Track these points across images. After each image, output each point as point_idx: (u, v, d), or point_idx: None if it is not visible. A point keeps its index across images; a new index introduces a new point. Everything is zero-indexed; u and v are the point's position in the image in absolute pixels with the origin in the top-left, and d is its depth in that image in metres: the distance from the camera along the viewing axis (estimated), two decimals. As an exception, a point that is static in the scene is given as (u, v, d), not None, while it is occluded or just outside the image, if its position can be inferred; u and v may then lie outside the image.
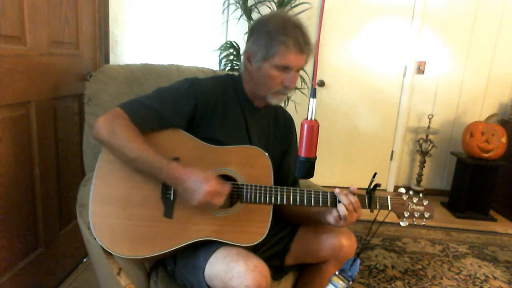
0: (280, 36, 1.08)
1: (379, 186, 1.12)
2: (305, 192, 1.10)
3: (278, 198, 1.09)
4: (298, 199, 1.10)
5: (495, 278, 2.12)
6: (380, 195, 1.15)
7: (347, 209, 1.06)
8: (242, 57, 1.22)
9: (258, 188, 1.09)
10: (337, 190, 1.09)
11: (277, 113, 1.30)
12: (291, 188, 1.10)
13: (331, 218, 1.08)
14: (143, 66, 1.52)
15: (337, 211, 1.07)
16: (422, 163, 3.26)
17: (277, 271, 1.23)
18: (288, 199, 1.09)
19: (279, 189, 1.09)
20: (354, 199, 1.07)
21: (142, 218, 1.04)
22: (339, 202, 1.07)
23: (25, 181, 1.43)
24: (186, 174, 1.00)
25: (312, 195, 1.10)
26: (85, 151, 1.37)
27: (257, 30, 1.14)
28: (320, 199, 1.10)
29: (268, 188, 1.09)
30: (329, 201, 1.10)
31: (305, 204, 1.10)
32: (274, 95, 1.16)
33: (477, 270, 2.19)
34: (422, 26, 3.13)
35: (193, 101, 1.13)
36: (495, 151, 2.88)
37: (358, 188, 1.11)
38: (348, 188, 1.11)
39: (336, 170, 3.38)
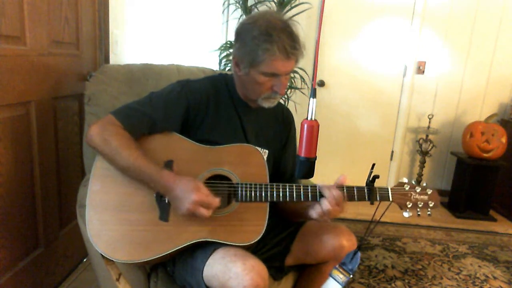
0: (265, 44, 1.04)
1: (378, 177, 1.08)
2: (287, 187, 1.09)
3: (274, 195, 1.08)
4: (287, 195, 1.08)
5: (495, 278, 2.12)
6: (380, 186, 1.12)
7: (329, 203, 1.04)
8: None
9: (252, 186, 1.08)
10: (319, 184, 1.07)
11: (276, 109, 1.28)
12: (280, 184, 1.09)
13: (313, 213, 1.07)
14: (143, 66, 1.52)
15: (320, 205, 1.05)
16: (422, 163, 3.26)
17: (277, 271, 1.23)
18: (278, 195, 1.08)
19: (274, 186, 1.09)
20: (337, 193, 1.04)
21: (138, 222, 1.04)
22: (322, 196, 1.06)
23: (25, 181, 1.43)
24: (175, 182, 1.00)
25: (294, 190, 1.08)
26: (85, 151, 1.37)
27: (242, 35, 1.11)
28: (302, 193, 1.08)
29: (263, 186, 1.08)
30: (310, 195, 1.08)
31: (287, 199, 1.08)
32: (265, 100, 1.15)
33: (477, 270, 2.19)
34: (422, 26, 3.12)
35: (184, 104, 1.13)
36: (495, 151, 2.88)
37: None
38: None
39: (336, 170, 3.38)
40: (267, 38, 1.05)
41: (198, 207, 0.98)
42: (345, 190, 1.09)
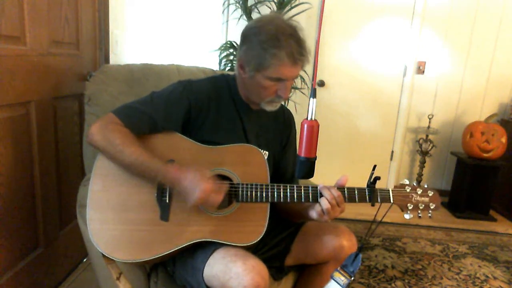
0: (273, 49, 1.04)
1: (379, 179, 1.09)
2: (288, 188, 1.09)
3: (275, 195, 1.08)
4: (288, 196, 1.08)
5: (495, 278, 2.12)
6: (381, 187, 1.12)
7: (329, 203, 1.04)
8: (235, 62, 1.20)
9: (253, 186, 1.08)
10: (320, 185, 1.08)
11: (277, 111, 1.26)
12: (281, 184, 1.09)
13: (314, 213, 1.07)
14: (143, 66, 1.52)
15: (320, 205, 1.05)
16: (422, 163, 3.26)
17: (277, 271, 1.23)
18: (278, 196, 1.08)
19: (275, 186, 1.09)
20: (337, 193, 1.05)
21: (139, 222, 1.04)
22: (322, 196, 1.06)
23: (25, 181, 1.43)
24: (183, 174, 1.00)
25: (295, 191, 1.08)
26: (85, 151, 1.37)
27: (249, 39, 1.11)
28: (302, 194, 1.08)
29: (264, 186, 1.08)
30: (310, 196, 1.08)
31: (288, 200, 1.08)
32: (268, 103, 1.15)
33: (477, 270, 2.19)
34: (422, 26, 3.12)
35: (185, 105, 1.13)
36: (495, 151, 2.88)
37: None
38: None
39: (336, 170, 3.38)
40: (275, 43, 1.04)
41: (209, 194, 0.98)
42: (346, 191, 1.09)
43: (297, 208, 1.17)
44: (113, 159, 1.04)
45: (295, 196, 1.09)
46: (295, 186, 1.09)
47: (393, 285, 1.97)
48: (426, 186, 1.16)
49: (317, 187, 1.09)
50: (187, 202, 1.00)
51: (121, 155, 1.01)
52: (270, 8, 2.61)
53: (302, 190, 1.09)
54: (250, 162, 1.13)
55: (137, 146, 1.02)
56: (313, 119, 0.98)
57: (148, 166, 1.01)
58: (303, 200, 1.09)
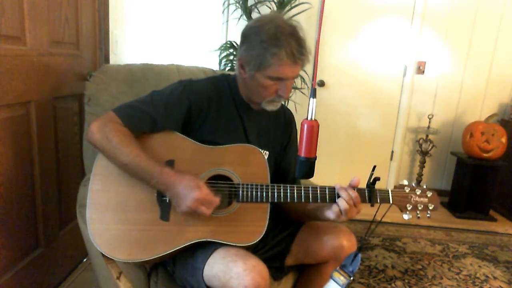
0: (273, 48, 1.04)
1: (379, 180, 1.09)
2: (302, 188, 1.09)
3: (275, 195, 1.08)
4: (295, 196, 1.09)
5: (495, 278, 2.12)
6: (380, 188, 1.12)
7: (347, 203, 1.05)
8: (235, 62, 1.20)
9: (254, 186, 1.08)
10: (337, 185, 1.08)
11: (277, 111, 1.26)
12: (288, 185, 1.09)
13: (330, 213, 1.07)
14: (143, 66, 1.52)
15: (338, 205, 1.05)
16: (422, 163, 3.26)
17: (277, 271, 1.23)
18: (285, 196, 1.08)
19: (275, 187, 1.09)
20: (354, 194, 1.06)
21: (139, 222, 1.04)
22: (339, 197, 1.06)
23: (25, 181, 1.43)
24: (177, 180, 1.00)
25: (310, 192, 1.09)
26: (85, 151, 1.37)
27: (249, 38, 1.11)
28: (318, 195, 1.09)
29: (264, 186, 1.08)
30: (327, 196, 1.09)
31: (302, 200, 1.09)
32: (268, 103, 1.15)
33: (477, 270, 2.20)
34: (422, 26, 3.12)
35: (186, 105, 1.13)
36: (495, 151, 2.89)
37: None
38: None
39: (336, 170, 3.38)
40: (275, 42, 1.04)
41: (199, 205, 0.98)
42: None
43: (310, 208, 1.17)
44: (111, 158, 1.04)
45: (295, 196, 1.09)
46: (295, 186, 1.09)
47: (393, 285, 1.97)
48: (425, 186, 1.16)
49: (317, 187, 1.09)
50: (178, 208, 1.01)
51: (118, 155, 1.01)
52: (270, 8, 2.61)
53: (302, 190, 1.09)
54: (250, 162, 1.13)
55: (135, 147, 1.02)
56: (313, 119, 0.98)
57: (144, 167, 1.01)
58: (303, 200, 1.09)
